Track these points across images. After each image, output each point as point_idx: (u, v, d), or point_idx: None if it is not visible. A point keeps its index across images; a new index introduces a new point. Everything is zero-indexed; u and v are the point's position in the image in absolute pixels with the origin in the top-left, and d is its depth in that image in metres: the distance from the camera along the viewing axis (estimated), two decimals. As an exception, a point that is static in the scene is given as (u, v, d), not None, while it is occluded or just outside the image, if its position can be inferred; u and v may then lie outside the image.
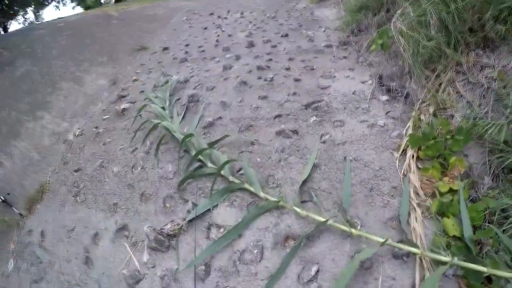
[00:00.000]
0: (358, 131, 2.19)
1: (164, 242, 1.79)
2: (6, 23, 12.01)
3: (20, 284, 2.06)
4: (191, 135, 2.19)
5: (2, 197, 2.62)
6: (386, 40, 2.73)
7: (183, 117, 2.74)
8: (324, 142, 2.14)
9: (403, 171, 1.82)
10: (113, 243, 1.97)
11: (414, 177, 1.75)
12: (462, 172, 1.67)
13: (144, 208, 2.04)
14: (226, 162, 1.89)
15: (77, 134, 3.09)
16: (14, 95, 3.74)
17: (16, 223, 2.49)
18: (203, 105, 2.73)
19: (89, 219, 2.19)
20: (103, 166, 2.53)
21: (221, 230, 1.78)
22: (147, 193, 2.13)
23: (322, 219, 1.62)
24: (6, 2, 10.90)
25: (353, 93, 2.60)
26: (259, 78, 2.95)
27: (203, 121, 2.53)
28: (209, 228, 1.81)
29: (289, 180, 1.91)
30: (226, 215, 1.83)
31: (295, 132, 2.23)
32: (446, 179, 1.67)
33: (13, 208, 2.58)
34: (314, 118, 2.34)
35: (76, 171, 2.63)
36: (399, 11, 2.54)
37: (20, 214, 2.53)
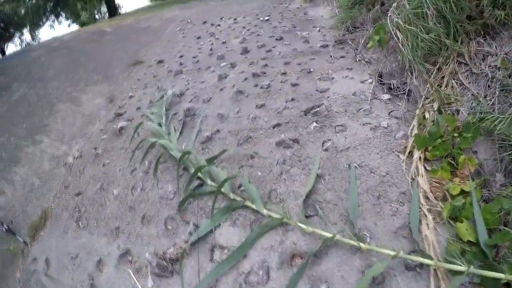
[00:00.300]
0: (361, 134, 2.12)
1: (167, 267, 1.74)
2: (3, 46, 12.13)
3: None
4: (188, 152, 2.15)
5: (5, 226, 2.61)
6: (383, 36, 2.61)
7: (181, 132, 2.69)
8: (326, 149, 2.07)
9: (411, 175, 1.74)
10: (117, 269, 1.92)
11: (422, 181, 1.66)
12: (472, 171, 1.59)
13: (146, 231, 2.00)
14: (225, 180, 1.84)
15: (76, 156, 3.06)
16: (12, 120, 3.74)
17: (20, 251, 2.47)
18: (200, 119, 2.69)
19: (92, 245, 2.15)
20: (103, 189, 2.49)
21: (225, 251, 1.73)
22: (148, 215, 2.08)
23: (328, 235, 1.55)
24: (2, 25, 11.00)
25: (353, 94, 2.52)
26: (256, 85, 2.90)
27: (200, 136, 2.48)
28: (212, 250, 1.75)
29: (292, 194, 1.85)
30: (229, 235, 1.78)
31: (296, 141, 2.17)
32: (456, 180, 1.58)
33: (17, 236, 2.56)
34: (315, 124, 2.28)
35: (77, 195, 2.60)
36: (394, 4, 2.45)
37: (24, 242, 2.51)
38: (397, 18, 2.28)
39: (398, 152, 1.91)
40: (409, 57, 2.16)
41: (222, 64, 3.63)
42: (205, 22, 6.25)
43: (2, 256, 2.49)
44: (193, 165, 2.16)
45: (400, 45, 2.23)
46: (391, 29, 2.33)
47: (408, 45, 2.15)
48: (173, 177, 2.23)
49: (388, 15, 2.40)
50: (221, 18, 6.18)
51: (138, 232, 2.02)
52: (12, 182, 3.00)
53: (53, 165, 3.07)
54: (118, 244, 2.03)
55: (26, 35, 13.79)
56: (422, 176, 1.68)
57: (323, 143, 2.13)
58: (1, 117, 3.88)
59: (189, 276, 1.70)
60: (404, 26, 2.19)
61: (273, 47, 3.83)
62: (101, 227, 2.21)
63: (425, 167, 1.73)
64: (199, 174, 2.05)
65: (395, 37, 2.31)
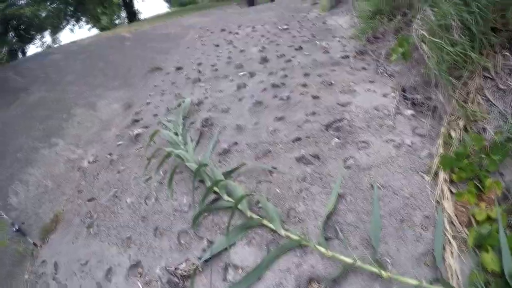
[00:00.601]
0: (384, 152, 2.03)
1: (178, 284, 1.67)
2: (24, 47, 12.45)
3: None
4: (205, 164, 2.10)
5: (16, 227, 2.59)
6: (407, 48, 2.54)
7: (198, 142, 2.65)
8: (348, 167, 1.99)
9: (436, 198, 1.65)
10: (127, 280, 1.86)
11: (448, 204, 1.58)
12: (499, 195, 1.50)
13: (158, 244, 1.94)
14: (243, 197, 1.78)
15: (91, 161, 3.05)
16: (29, 122, 3.77)
17: (30, 253, 2.44)
18: (217, 129, 2.64)
19: (102, 253, 2.10)
20: (116, 196, 2.46)
21: (239, 271, 1.65)
22: (161, 228, 2.03)
23: (349, 260, 1.47)
24: (23, 27, 11.31)
25: (375, 109, 2.44)
26: (275, 96, 2.84)
27: (218, 148, 2.43)
28: (226, 269, 1.68)
29: (312, 214, 1.77)
30: (244, 254, 1.70)
31: (317, 157, 2.10)
32: (482, 204, 1.50)
33: (27, 237, 2.54)
34: (336, 140, 2.20)
35: (89, 200, 2.57)
36: (418, 16, 2.38)
37: (34, 244, 2.49)
38: (422, 30, 2.22)
39: (422, 172, 1.82)
40: (435, 71, 2.08)
41: (240, 73, 3.60)
42: (223, 30, 6.27)
43: (11, 257, 2.47)
44: (209, 178, 2.10)
45: (426, 58, 2.16)
46: (416, 41, 2.26)
47: (434, 58, 2.08)
48: (189, 189, 2.18)
49: (413, 27, 2.34)
50: (239, 26, 6.19)
51: (150, 244, 1.97)
52: (26, 183, 3.00)
53: (67, 168, 3.07)
54: (129, 255, 1.97)
55: (47, 38, 14.18)
56: (448, 199, 1.61)
57: (345, 161, 2.05)
58: (18, 118, 3.92)
59: (200, 294, 1.63)
60: (429, 38, 2.12)
61: (293, 57, 3.78)
62: (112, 236, 2.16)
63: (450, 190, 1.65)
64: (216, 188, 1.99)
65: (420, 50, 2.25)
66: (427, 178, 1.77)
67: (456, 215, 1.53)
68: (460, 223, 1.51)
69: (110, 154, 3.04)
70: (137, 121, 3.45)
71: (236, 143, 2.42)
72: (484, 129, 1.80)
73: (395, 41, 2.88)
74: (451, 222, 1.52)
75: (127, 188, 2.49)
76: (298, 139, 2.30)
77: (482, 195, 1.53)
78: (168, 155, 2.44)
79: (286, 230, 1.70)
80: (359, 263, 1.43)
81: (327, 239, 1.64)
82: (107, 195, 2.52)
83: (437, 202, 1.63)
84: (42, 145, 3.41)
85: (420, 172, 1.83)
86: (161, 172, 2.45)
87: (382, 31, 3.39)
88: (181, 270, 1.72)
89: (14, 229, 2.59)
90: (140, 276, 1.84)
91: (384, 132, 2.19)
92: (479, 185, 1.58)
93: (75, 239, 2.31)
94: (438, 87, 2.14)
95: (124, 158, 2.86)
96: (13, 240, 2.57)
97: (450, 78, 2.04)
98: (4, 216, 2.75)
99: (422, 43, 2.20)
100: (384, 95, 2.57)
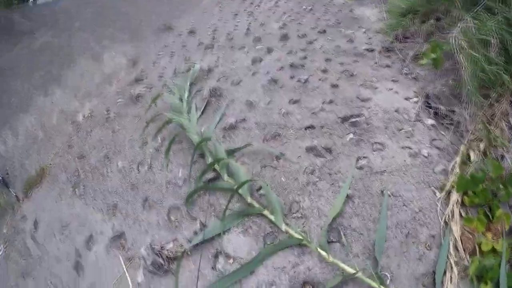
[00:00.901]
0: (399, 159, 1.87)
1: (163, 266, 1.53)
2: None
3: (8, 274, 1.89)
4: (207, 139, 1.90)
5: (0, 177, 2.45)
6: (440, 55, 2.37)
7: (202, 112, 2.44)
8: (360, 168, 1.81)
9: (445, 218, 1.56)
10: (107, 252, 1.72)
11: (455, 228, 1.50)
12: (507, 229, 1.44)
13: (146, 217, 1.78)
14: (245, 182, 1.59)
15: (86, 115, 2.85)
16: (30, 66, 3.55)
17: (11, 206, 2.31)
18: (226, 102, 2.43)
19: (85, 217, 1.96)
20: (107, 157, 2.28)
21: (230, 261, 1.50)
22: (151, 199, 1.86)
23: (350, 270, 1.35)
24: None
25: (395, 111, 2.26)
26: (292, 77, 2.61)
27: (224, 122, 2.23)
28: (216, 256, 1.53)
29: (316, 212, 1.60)
30: (238, 243, 1.54)
31: (329, 150, 1.91)
32: (489, 235, 1.45)
33: (10, 189, 2.40)
34: (351, 136, 2.00)
35: (79, 157, 2.40)
36: (459, 25, 2.19)
37: (17, 197, 2.35)
38: (462, 41, 2.05)
39: (435, 188, 1.71)
40: (468, 87, 1.96)
41: (257, 47, 3.34)
42: (244, 0, 5.90)
43: None
44: (210, 154, 1.92)
45: (462, 71, 2.02)
46: (453, 51, 2.09)
47: (469, 72, 1.96)
48: (186, 162, 2.00)
49: (453, 35, 2.18)
50: (261, -1, 5.81)
51: (137, 215, 1.81)
52: (16, 131, 2.82)
53: (61, 120, 2.88)
54: (113, 224, 1.83)
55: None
56: (456, 222, 1.54)
57: (357, 160, 1.86)
58: (20, 61, 3.69)
59: (185, 280, 1.49)
60: (469, 51, 2.00)
61: (315, 40, 3.50)
62: (98, 200, 2.00)
63: (460, 212, 1.57)
64: (216, 166, 1.81)
65: (456, 60, 2.11)
66: (438, 195, 1.67)
67: (462, 241, 1.48)
68: (464, 250, 1.47)
69: (107, 111, 2.84)
70: (141, 79, 3.22)
71: (244, 120, 2.21)
72: (502, 157, 1.73)
73: (425, 44, 2.75)
74: (456, 247, 1.47)
75: (120, 150, 2.31)
76: (311, 127, 2.10)
77: (490, 225, 1.49)
78: (169, 121, 2.24)
79: (287, 225, 1.54)
80: (360, 274, 1.32)
81: (329, 242, 1.49)
82: (98, 154, 2.34)
83: (446, 223, 1.55)
84: (38, 93, 3.19)
85: (432, 187, 1.72)
86: (159, 139, 2.26)
87: (412, 31, 3.15)
88: (167, 250, 1.57)
89: (-3, 180, 2.47)
90: (123, 249, 1.70)
91: (402, 137, 2.03)
92: (489, 213, 1.53)
93: (59, 198, 2.16)
94: (465, 102, 2.03)
95: (122, 118, 2.66)
96: (-5, 191, 2.44)
97: (480, 96, 1.95)
98: None
99: (460, 54, 2.06)
100: (406, 98, 2.41)
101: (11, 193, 2.36)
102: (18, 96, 3.14)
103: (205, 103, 2.50)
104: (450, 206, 1.59)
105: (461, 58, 2.04)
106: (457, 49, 2.10)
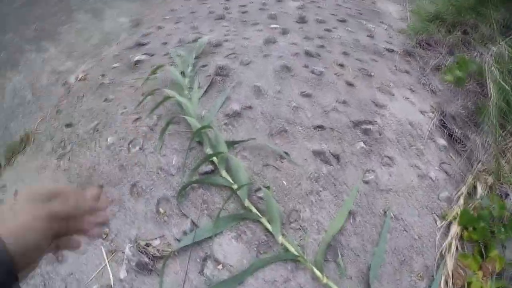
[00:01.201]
0: (406, 178, 1.78)
1: (148, 265, 1.40)
2: None
3: None
4: (208, 127, 1.73)
5: None
6: (465, 74, 2.27)
7: (205, 92, 2.23)
8: (367, 182, 1.68)
9: (442, 250, 1.55)
10: (89, 239, 1.58)
11: (450, 262, 1.50)
12: (497, 270, 1.48)
13: (133, 206, 1.64)
14: (245, 185, 1.44)
15: (79, 78, 2.63)
16: (22, 18, 3.24)
17: None
18: (232, 84, 2.22)
19: (68, 194, 1.80)
20: (97, 130, 2.10)
21: (219, 267, 1.39)
22: (139, 186, 1.71)
23: None
24: None
25: (409, 124, 2.13)
26: (306, 67, 2.39)
27: (227, 107, 2.03)
28: (205, 260, 1.41)
29: (316, 225, 1.48)
30: (230, 249, 1.42)
31: (337, 158, 1.75)
32: (480, 274, 1.48)
33: None
34: (362, 144, 1.85)
35: (67, 126, 2.21)
36: (493, 49, 2.11)
37: (-1, 163, 2.18)
38: (495, 68, 2.08)
39: (437, 216, 1.68)
40: (492, 120, 1.92)
41: (272, 26, 3.07)
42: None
43: None
44: (209, 143, 1.75)
45: (489, 102, 1.99)
46: (486, 77, 2.04)
47: (495, 104, 1.95)
48: (182, 148, 1.83)
49: (486, 59, 2.14)
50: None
51: (123, 202, 1.66)
52: (2, 89, 2.62)
53: (52, 80, 2.65)
54: (96, 208, 1.68)
55: None
56: (452, 256, 1.55)
57: (365, 172, 1.73)
58: (11, 12, 3.37)
59: (170, 282, 1.37)
60: (499, 81, 1.99)
61: (334, 28, 3.22)
62: (83, 177, 1.85)
63: (457, 246, 1.59)
64: (214, 159, 1.65)
65: (483, 84, 2.12)
66: (439, 223, 1.65)
67: (453, 276, 1.50)
68: (453, 285, 1.50)
69: (102, 76, 2.61)
70: (142, 44, 2.96)
71: (250, 107, 2.02)
72: (507, 195, 1.73)
73: (447, 56, 2.70)
74: (446, 282, 1.48)
75: (111, 123, 2.12)
76: (321, 127, 1.93)
77: (483, 264, 1.52)
78: (168, 98, 2.04)
79: (284, 236, 1.41)
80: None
81: (324, 260, 1.39)
82: (87, 125, 2.16)
83: (441, 255, 1.54)
84: (30, 48, 2.93)
85: (434, 214, 1.67)
86: (154, 117, 2.07)
87: (436, 39, 3.00)
88: (153, 248, 1.44)
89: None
90: (105, 238, 1.56)
91: (412, 154, 1.93)
92: (483, 251, 1.56)
93: (42, 170, 2.00)
94: (482, 131, 2.02)
95: (116, 86, 2.44)
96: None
97: (500, 129, 1.96)
98: None
99: (490, 82, 2.05)
100: (422, 112, 2.29)
101: (-7, 159, 2.20)
102: (7, 50, 2.88)
103: (209, 82, 2.28)
104: (449, 238, 1.58)
105: (491, 87, 2.01)
106: (488, 75, 2.06)
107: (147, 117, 2.08)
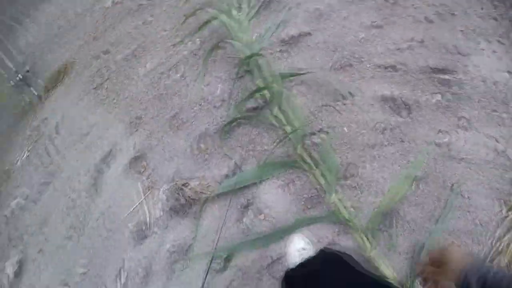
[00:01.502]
0: (482, 150, 1.37)
1: (184, 207, 1.27)
2: None
3: (30, 180, 1.74)
4: (259, 55, 1.43)
5: (20, 75, 2.22)
6: None
7: (257, 12, 1.87)
8: (438, 144, 1.33)
9: (499, 246, 1.24)
10: (126, 173, 1.49)
11: (504, 261, 1.23)
12: None
13: (172, 140, 1.48)
14: (300, 128, 1.18)
15: (116, 1, 2.37)
16: None
17: (32, 107, 2.09)
18: (289, 5, 1.83)
19: (106, 127, 1.70)
20: (135, 56, 1.90)
21: (261, 216, 1.22)
22: (180, 118, 1.52)
23: (385, 271, 1.10)
24: None
25: (493, 84, 1.60)
26: (379, -11, 1.89)
27: (283, 31, 1.69)
28: (246, 207, 1.25)
29: (374, 186, 1.22)
30: (274, 199, 1.24)
31: (408, 109, 1.40)
32: None
33: (31, 88, 2.18)
34: (439, 98, 1.45)
35: (104, 53, 2.04)
36: None
37: (38, 96, 2.14)
38: None
39: (504, 203, 1.30)
40: None
41: None
42: None
43: (14, 109, 2.14)
44: (260, 73, 1.47)
45: None
46: None
47: None
48: (229, 77, 1.58)
49: None
50: None
51: (161, 136, 1.51)
52: (36, 22, 2.49)
53: (87, 6, 2.43)
54: (134, 142, 1.55)
55: None
56: (508, 254, 1.26)
57: (438, 132, 1.36)
58: None
59: (206, 226, 1.24)
60: None
61: None
62: (121, 108, 1.71)
63: None
64: (265, 92, 1.38)
65: None
66: (504, 213, 1.31)
67: None
68: None
69: (141, -4, 2.33)
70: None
71: (309, 34, 1.66)
72: None
73: None
74: None
75: (150, 48, 1.90)
76: (393, 67, 1.53)
77: None
78: (213, 19, 1.74)
79: (337, 194, 1.17)
80: (391, 281, 1.08)
81: (377, 229, 1.16)
82: (125, 50, 1.96)
83: (498, 251, 1.24)
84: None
85: (501, 201, 1.30)
86: (197, 40, 1.80)
87: None
88: (191, 188, 1.28)
89: (18, 78, 2.26)
90: (142, 173, 1.45)
91: (493, 122, 1.47)
92: None
93: (81, 100, 1.89)
94: None
95: (155, 7, 2.16)
96: (17, 90, 2.22)
97: None
98: (8, 63, 2.35)
99: None
100: (510, 72, 1.69)
101: (33, 93, 2.14)
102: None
103: (261, 1, 1.91)
104: (509, 234, 1.29)
105: None
106: None
107: (189, 40, 1.81)
